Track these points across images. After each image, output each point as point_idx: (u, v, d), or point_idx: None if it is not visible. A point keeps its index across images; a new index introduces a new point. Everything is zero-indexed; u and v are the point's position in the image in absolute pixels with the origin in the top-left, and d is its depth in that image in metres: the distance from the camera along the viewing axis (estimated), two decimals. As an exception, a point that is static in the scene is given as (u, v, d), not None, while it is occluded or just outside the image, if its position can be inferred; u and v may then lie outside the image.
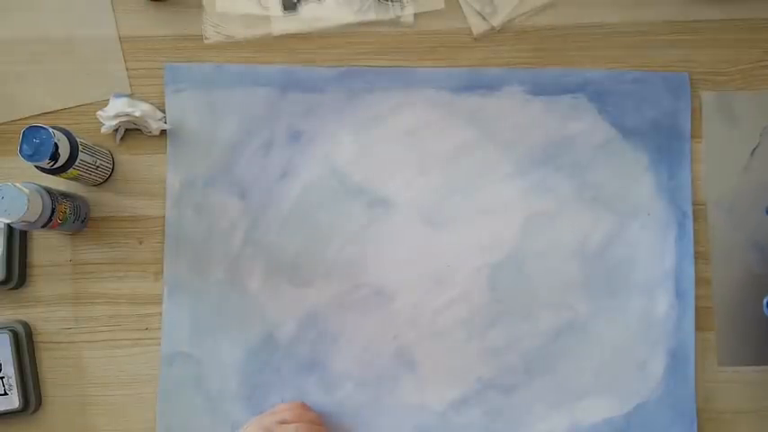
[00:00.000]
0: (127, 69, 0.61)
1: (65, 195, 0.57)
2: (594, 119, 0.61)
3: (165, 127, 0.60)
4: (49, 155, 0.52)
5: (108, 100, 0.60)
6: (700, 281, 0.60)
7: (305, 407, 0.58)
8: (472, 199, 0.60)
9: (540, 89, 0.61)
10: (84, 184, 0.60)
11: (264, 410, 0.58)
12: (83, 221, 0.59)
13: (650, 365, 0.59)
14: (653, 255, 0.60)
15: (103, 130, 0.57)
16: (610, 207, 0.60)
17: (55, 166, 0.54)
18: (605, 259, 0.60)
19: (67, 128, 0.56)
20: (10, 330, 0.58)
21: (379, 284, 0.60)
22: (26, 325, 0.59)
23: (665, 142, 0.61)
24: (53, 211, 0.55)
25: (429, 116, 0.61)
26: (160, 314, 0.60)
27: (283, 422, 0.54)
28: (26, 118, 0.61)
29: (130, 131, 0.61)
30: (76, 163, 0.55)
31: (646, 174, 0.61)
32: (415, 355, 0.59)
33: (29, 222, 0.53)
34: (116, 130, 0.60)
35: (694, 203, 0.61)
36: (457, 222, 0.60)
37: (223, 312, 0.60)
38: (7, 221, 0.52)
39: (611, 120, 0.61)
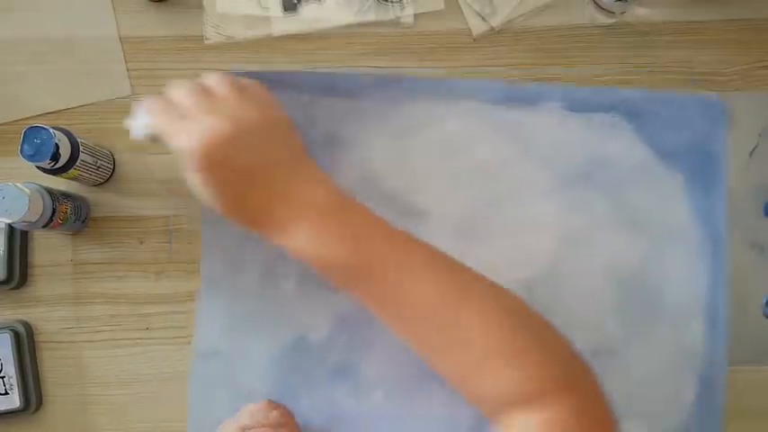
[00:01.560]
0: (127, 69, 0.61)
1: (65, 195, 0.57)
2: (631, 139, 0.60)
3: None
4: (50, 155, 0.52)
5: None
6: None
7: (269, 407, 0.56)
8: (507, 214, 0.59)
9: (577, 105, 0.60)
10: (85, 184, 0.60)
11: (294, 412, 0.58)
12: (83, 221, 0.60)
13: (681, 393, 0.58)
14: (686, 279, 0.59)
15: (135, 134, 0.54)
16: (645, 229, 0.59)
17: (56, 167, 0.54)
18: (639, 282, 0.59)
19: (68, 128, 0.56)
20: (11, 330, 0.58)
21: None
22: (27, 325, 0.59)
23: (700, 166, 0.59)
24: (54, 211, 0.55)
25: (467, 128, 0.60)
26: (160, 314, 0.60)
27: (244, 428, 0.53)
28: (27, 118, 0.61)
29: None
30: (77, 163, 0.55)
31: (680, 196, 0.60)
32: None
33: (30, 222, 0.53)
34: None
35: (693, 204, 0.61)
36: (491, 236, 0.59)
37: (257, 312, 0.59)
38: (8, 221, 0.52)
39: (647, 140, 0.60)
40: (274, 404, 0.56)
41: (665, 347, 0.58)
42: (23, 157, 0.52)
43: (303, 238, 0.47)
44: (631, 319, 0.59)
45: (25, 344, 0.59)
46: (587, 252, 0.59)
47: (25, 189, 0.52)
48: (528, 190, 0.60)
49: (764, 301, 0.57)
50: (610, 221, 0.59)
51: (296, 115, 0.59)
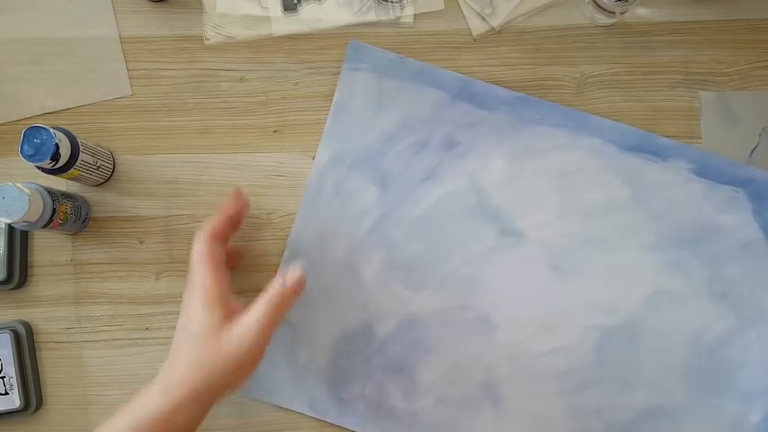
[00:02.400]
0: (128, 70, 0.62)
1: (65, 195, 0.57)
2: (747, 218, 0.59)
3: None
4: (50, 155, 0.52)
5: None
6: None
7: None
8: (604, 257, 0.59)
9: (706, 172, 0.59)
10: (85, 184, 0.60)
11: (341, 395, 0.58)
12: (83, 221, 0.60)
13: None
14: (763, 366, 0.58)
15: None
16: (735, 307, 0.58)
17: (56, 167, 0.54)
18: (716, 356, 0.58)
19: (68, 128, 0.56)
20: (11, 330, 0.58)
21: (487, 312, 0.59)
22: (27, 325, 0.59)
23: None
24: (54, 211, 0.55)
25: (587, 164, 0.60)
26: (160, 314, 0.60)
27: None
28: (27, 118, 0.61)
29: (135, 131, 0.61)
30: (77, 163, 0.55)
31: None
32: (502, 391, 0.58)
33: (30, 222, 0.53)
34: None
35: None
36: (582, 275, 0.59)
37: (332, 290, 0.59)
38: (8, 221, 0.52)
39: (762, 222, 0.59)
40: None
41: (724, 424, 0.57)
42: (23, 157, 0.52)
43: None
44: (698, 388, 0.58)
45: (25, 344, 0.59)
46: (672, 314, 0.58)
47: (25, 189, 0.52)
48: (631, 239, 0.59)
49: None
50: (703, 290, 0.58)
51: (426, 110, 0.60)
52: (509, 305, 0.59)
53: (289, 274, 0.51)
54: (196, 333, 0.48)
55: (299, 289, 0.51)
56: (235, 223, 0.54)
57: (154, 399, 0.47)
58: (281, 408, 0.59)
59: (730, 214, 0.59)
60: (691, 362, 0.58)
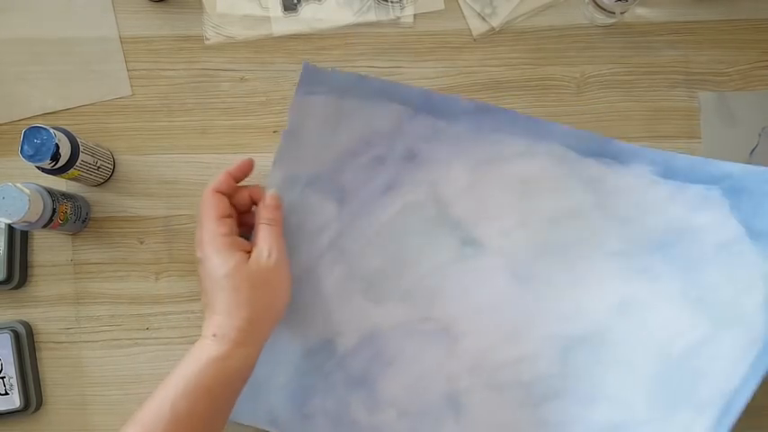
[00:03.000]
0: (128, 70, 0.62)
1: (65, 196, 0.57)
2: (724, 215, 0.55)
3: None
4: (50, 155, 0.52)
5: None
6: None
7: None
8: (568, 265, 0.57)
9: (671, 173, 0.57)
10: (85, 184, 0.60)
11: (303, 411, 0.58)
12: (83, 222, 0.60)
13: None
14: (726, 373, 0.54)
15: None
16: (711, 312, 0.55)
17: (56, 167, 0.54)
18: (684, 365, 0.55)
19: (68, 128, 0.56)
20: (11, 330, 0.58)
21: (449, 322, 0.58)
22: (27, 325, 0.59)
23: None
24: (54, 211, 0.55)
25: (548, 172, 0.58)
26: (160, 314, 0.60)
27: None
28: (27, 118, 0.61)
29: (135, 131, 0.61)
30: (77, 163, 0.55)
31: (760, 283, 0.54)
32: (464, 402, 0.57)
33: (30, 222, 0.53)
34: None
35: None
36: (545, 284, 0.58)
37: (292, 307, 0.57)
38: (8, 222, 0.52)
39: (741, 218, 0.55)
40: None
41: None
42: (23, 157, 0.52)
43: None
44: (661, 403, 0.55)
45: (25, 344, 0.59)
46: (639, 323, 0.56)
47: (25, 189, 0.52)
48: (595, 247, 0.57)
49: None
50: (675, 297, 0.56)
51: (386, 126, 0.58)
52: (471, 316, 0.58)
53: (267, 196, 0.54)
54: (224, 275, 0.50)
55: (279, 203, 0.55)
56: (237, 179, 0.55)
57: (204, 348, 0.49)
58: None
59: (704, 214, 0.56)
60: (656, 374, 0.56)
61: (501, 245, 0.58)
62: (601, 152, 0.58)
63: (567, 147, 0.58)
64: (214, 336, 0.49)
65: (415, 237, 0.58)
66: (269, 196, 0.55)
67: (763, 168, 0.54)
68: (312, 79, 0.57)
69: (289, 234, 0.57)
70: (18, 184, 0.52)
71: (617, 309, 0.57)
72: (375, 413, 0.58)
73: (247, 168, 0.56)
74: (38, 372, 0.59)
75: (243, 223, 0.56)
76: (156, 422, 0.47)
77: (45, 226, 0.55)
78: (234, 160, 0.55)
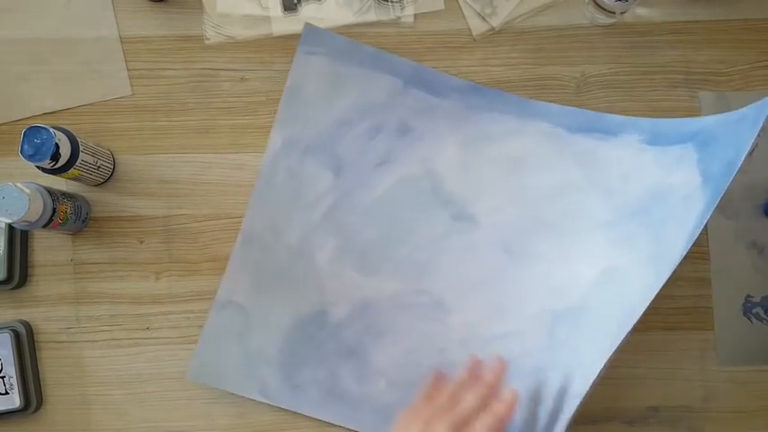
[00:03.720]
0: (128, 70, 0.62)
1: (66, 195, 0.57)
2: (692, 169, 0.54)
3: None
4: (51, 155, 0.52)
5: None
6: (696, 281, 0.60)
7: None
8: (557, 240, 0.58)
9: (657, 139, 0.57)
10: (85, 183, 0.60)
11: (294, 381, 0.58)
12: (83, 221, 0.60)
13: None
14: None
15: None
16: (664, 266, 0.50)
17: (56, 167, 0.54)
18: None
19: (68, 128, 0.56)
20: (11, 330, 0.58)
21: (441, 296, 0.59)
22: (27, 325, 0.59)
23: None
24: (54, 211, 0.55)
25: (537, 148, 0.59)
26: (160, 314, 0.60)
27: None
28: (27, 118, 0.61)
29: (135, 131, 0.61)
30: (77, 163, 0.55)
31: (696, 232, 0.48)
32: (455, 375, 0.57)
33: (30, 222, 0.53)
34: None
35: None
36: (535, 258, 0.58)
37: (285, 277, 0.59)
38: (8, 221, 0.52)
39: (703, 168, 0.53)
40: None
41: None
42: (23, 157, 0.52)
43: None
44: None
45: (25, 344, 0.59)
46: (618, 292, 0.55)
47: (25, 189, 0.52)
48: (584, 220, 0.58)
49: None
50: (648, 260, 0.54)
51: (380, 96, 0.60)
52: (462, 289, 0.59)
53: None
54: None
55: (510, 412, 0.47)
56: None
57: None
58: (280, 408, 0.59)
59: (678, 172, 0.55)
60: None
61: (492, 221, 0.59)
62: (590, 128, 0.59)
63: (557, 125, 0.59)
64: None
65: (409, 211, 0.60)
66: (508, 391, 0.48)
67: (732, 113, 0.52)
68: (312, 39, 0.60)
69: (286, 201, 0.59)
70: (18, 184, 0.52)
71: (599, 279, 0.57)
72: (365, 384, 0.58)
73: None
74: (38, 372, 0.59)
75: None
76: None
77: (45, 226, 0.55)
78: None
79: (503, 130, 0.60)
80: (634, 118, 0.58)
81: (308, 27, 0.60)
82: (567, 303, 0.58)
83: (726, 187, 0.46)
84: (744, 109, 0.50)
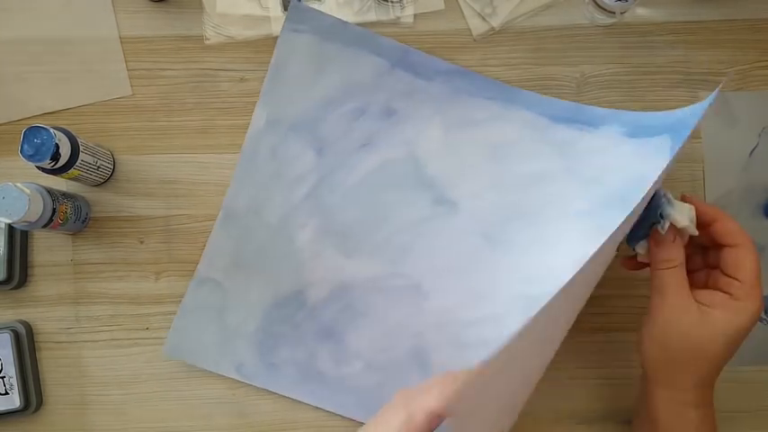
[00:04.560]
0: (128, 70, 0.61)
1: (65, 195, 0.57)
2: (666, 158, 0.53)
3: None
4: (50, 155, 0.52)
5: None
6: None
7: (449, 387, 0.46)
8: (536, 227, 0.58)
9: (638, 131, 0.57)
10: (85, 184, 0.60)
11: (270, 360, 0.58)
12: (83, 221, 0.60)
13: None
14: None
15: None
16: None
17: (56, 167, 0.54)
18: None
19: (68, 128, 0.56)
20: (11, 330, 0.58)
21: (419, 279, 0.59)
22: (27, 325, 0.59)
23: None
24: (54, 211, 0.55)
25: (520, 136, 0.60)
26: (160, 314, 0.60)
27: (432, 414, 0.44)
28: (27, 118, 0.61)
29: (135, 131, 0.61)
30: (77, 163, 0.55)
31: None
32: (431, 358, 0.58)
33: (30, 222, 0.53)
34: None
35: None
36: (513, 245, 0.59)
37: (265, 255, 0.59)
38: (8, 221, 0.52)
39: (673, 155, 0.53)
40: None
41: None
42: (23, 157, 0.52)
43: None
44: None
45: (25, 344, 0.59)
46: (593, 280, 0.55)
47: (25, 189, 0.52)
48: (563, 208, 0.58)
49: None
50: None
51: (365, 77, 0.60)
52: (440, 274, 0.59)
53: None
54: None
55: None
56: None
57: None
58: (281, 407, 0.59)
59: (654, 162, 0.55)
60: None
61: (473, 206, 0.59)
62: (573, 118, 0.59)
63: (540, 114, 0.60)
64: None
65: (390, 193, 0.60)
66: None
67: (704, 102, 0.52)
68: (298, 17, 0.59)
69: (268, 180, 0.59)
70: (18, 184, 0.52)
71: (574, 267, 0.56)
72: (342, 365, 0.59)
73: None
74: (38, 372, 0.59)
75: None
76: None
77: (45, 226, 0.55)
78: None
79: (487, 115, 0.60)
80: (617, 111, 0.58)
81: (295, 4, 0.60)
82: (542, 289, 0.57)
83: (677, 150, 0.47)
84: (710, 96, 0.51)
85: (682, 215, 0.47)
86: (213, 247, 0.59)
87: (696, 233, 0.48)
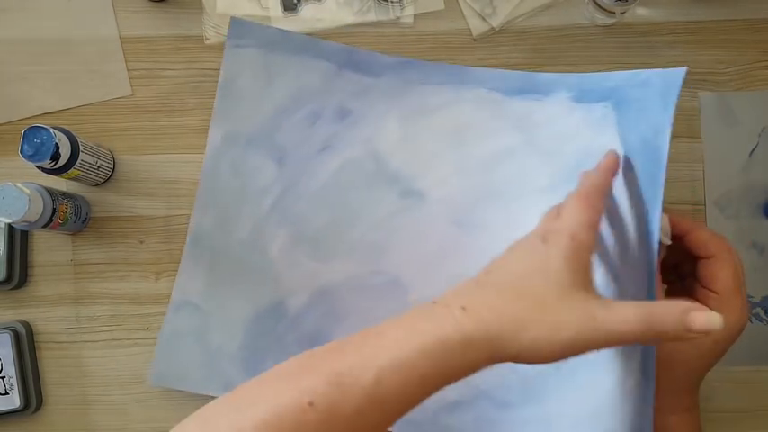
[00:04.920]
0: (128, 70, 0.62)
1: (65, 195, 0.57)
2: (613, 133, 0.53)
3: None
4: (50, 155, 0.52)
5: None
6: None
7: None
8: (504, 207, 0.58)
9: (583, 96, 0.56)
10: (85, 184, 0.60)
11: (258, 373, 0.57)
12: (83, 221, 0.60)
13: None
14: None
15: None
16: None
17: (56, 167, 0.54)
18: None
19: (68, 128, 0.56)
20: (11, 330, 0.58)
21: (397, 274, 0.59)
22: (27, 325, 0.59)
23: (643, 171, 0.48)
24: (54, 211, 0.55)
25: (476, 116, 0.60)
26: (161, 314, 0.60)
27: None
28: (27, 118, 0.61)
29: (135, 131, 0.61)
30: (77, 163, 0.55)
31: None
32: None
33: (30, 222, 0.53)
34: None
35: (692, 203, 0.61)
36: (485, 228, 0.58)
37: (240, 272, 0.59)
38: (8, 221, 0.52)
39: (621, 134, 0.52)
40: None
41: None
42: (23, 157, 0.52)
43: None
44: None
45: (25, 344, 0.59)
46: None
47: (25, 189, 0.52)
48: (527, 185, 0.58)
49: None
50: None
51: (314, 82, 0.60)
52: (417, 265, 0.59)
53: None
54: (553, 281, 0.39)
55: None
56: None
57: (452, 317, 0.38)
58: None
59: (603, 134, 0.54)
60: None
61: (440, 194, 0.59)
62: (524, 89, 0.59)
63: (492, 89, 0.59)
64: (468, 312, 0.38)
65: (356, 193, 0.60)
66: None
67: (636, 72, 0.51)
68: (239, 32, 0.60)
69: (233, 197, 0.59)
70: (18, 184, 0.52)
71: None
72: None
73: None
74: (38, 372, 0.59)
75: None
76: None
77: (45, 226, 0.55)
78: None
79: (440, 101, 0.60)
80: (562, 74, 0.58)
81: (234, 20, 0.60)
82: None
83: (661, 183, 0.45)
84: (646, 73, 0.50)
85: None
86: (185, 271, 0.59)
87: (669, 242, 0.48)
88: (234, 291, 0.59)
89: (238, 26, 0.60)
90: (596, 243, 0.42)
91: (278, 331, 0.59)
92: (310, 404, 0.35)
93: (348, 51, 0.60)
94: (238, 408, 0.35)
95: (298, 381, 0.36)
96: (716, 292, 0.47)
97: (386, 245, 0.59)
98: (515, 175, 0.59)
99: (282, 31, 0.60)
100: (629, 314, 0.37)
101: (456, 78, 0.60)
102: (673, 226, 0.48)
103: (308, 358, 0.38)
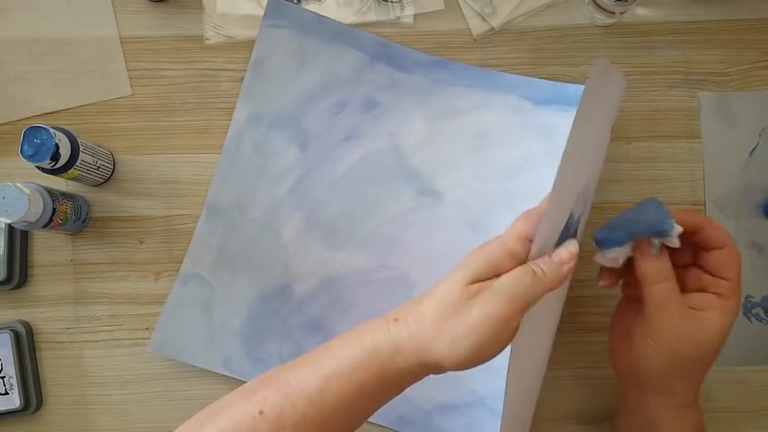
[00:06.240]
0: (128, 70, 0.62)
1: (65, 195, 0.57)
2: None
3: None
4: (50, 155, 0.52)
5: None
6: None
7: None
8: (518, 214, 0.58)
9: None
10: (85, 184, 0.60)
11: (257, 354, 0.58)
12: (83, 221, 0.60)
13: None
14: None
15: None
16: None
17: (56, 167, 0.54)
18: None
19: (68, 128, 0.56)
20: (11, 330, 0.58)
21: (406, 271, 0.59)
22: (27, 325, 0.59)
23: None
24: (54, 211, 0.55)
25: (503, 122, 0.60)
26: (161, 314, 0.60)
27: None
28: (27, 118, 0.61)
29: (135, 131, 0.61)
30: (77, 163, 0.55)
31: None
32: None
33: (30, 222, 0.53)
34: None
35: (692, 203, 0.61)
36: (497, 233, 0.57)
37: (251, 251, 0.59)
38: (8, 221, 0.52)
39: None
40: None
41: None
42: (23, 157, 0.52)
43: None
44: None
45: (25, 344, 0.59)
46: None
47: (25, 189, 0.52)
48: (544, 194, 0.58)
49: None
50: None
51: (346, 71, 0.60)
52: (427, 264, 0.59)
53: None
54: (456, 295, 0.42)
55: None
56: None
57: (386, 327, 0.42)
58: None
59: None
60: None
61: (457, 196, 0.60)
62: (554, 99, 0.59)
63: (522, 97, 0.60)
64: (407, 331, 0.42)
65: (374, 186, 0.60)
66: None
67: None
68: (277, 12, 0.60)
69: (252, 176, 0.60)
70: (18, 184, 0.52)
71: None
72: None
73: None
74: (38, 372, 0.59)
75: None
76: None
77: (45, 226, 0.55)
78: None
79: (468, 104, 0.60)
80: None
81: (272, 0, 0.60)
82: None
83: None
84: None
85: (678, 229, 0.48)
86: (198, 243, 0.60)
87: (678, 245, 0.48)
88: (243, 269, 0.59)
89: (276, 6, 0.60)
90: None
91: (282, 314, 0.59)
92: (261, 413, 0.40)
93: (382, 44, 0.61)
94: (202, 424, 0.41)
95: (255, 394, 0.41)
96: (727, 279, 0.48)
97: (398, 240, 0.60)
98: (533, 183, 0.58)
99: (319, 16, 0.60)
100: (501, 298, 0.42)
101: (487, 83, 0.60)
102: (683, 223, 0.48)
103: (268, 374, 0.43)
